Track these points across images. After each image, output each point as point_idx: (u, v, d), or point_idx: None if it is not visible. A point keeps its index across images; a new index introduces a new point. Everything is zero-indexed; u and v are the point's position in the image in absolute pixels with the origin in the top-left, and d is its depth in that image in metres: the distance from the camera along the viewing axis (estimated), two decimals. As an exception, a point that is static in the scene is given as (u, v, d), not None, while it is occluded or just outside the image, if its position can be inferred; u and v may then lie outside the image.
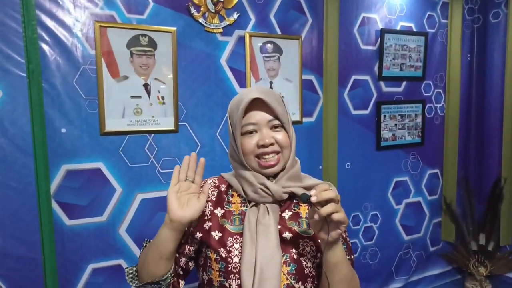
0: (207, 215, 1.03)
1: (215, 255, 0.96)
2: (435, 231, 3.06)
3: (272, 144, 0.96)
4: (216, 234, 0.98)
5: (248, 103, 0.95)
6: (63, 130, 1.74)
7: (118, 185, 1.87)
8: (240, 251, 0.94)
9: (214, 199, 1.05)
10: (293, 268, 0.95)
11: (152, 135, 1.94)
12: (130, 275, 1.08)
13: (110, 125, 1.83)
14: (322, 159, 2.43)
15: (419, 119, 2.86)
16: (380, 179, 2.73)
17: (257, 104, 0.97)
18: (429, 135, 2.94)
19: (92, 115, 1.79)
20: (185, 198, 0.93)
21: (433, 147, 2.97)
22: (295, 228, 0.99)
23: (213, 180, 1.10)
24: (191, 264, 1.09)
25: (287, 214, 1.01)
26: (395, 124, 2.75)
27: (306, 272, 0.97)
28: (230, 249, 0.95)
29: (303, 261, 0.96)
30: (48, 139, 1.69)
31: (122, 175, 1.88)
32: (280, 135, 0.98)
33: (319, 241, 0.96)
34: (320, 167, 2.42)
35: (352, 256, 1.07)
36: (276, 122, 0.98)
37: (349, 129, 2.55)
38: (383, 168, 2.72)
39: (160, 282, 0.97)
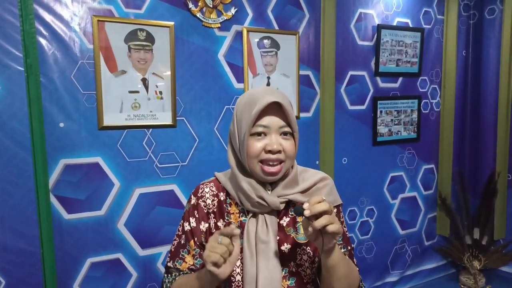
0: (212, 229, 1.00)
1: None
2: (430, 226, 3.10)
3: (279, 152, 0.93)
4: None
5: (265, 105, 0.91)
6: (61, 125, 1.74)
7: (116, 180, 1.88)
8: (241, 268, 0.95)
9: (216, 210, 1.02)
10: (293, 282, 0.97)
11: (150, 129, 1.94)
12: None
13: (108, 120, 1.83)
14: (319, 154, 2.44)
15: (415, 115, 2.88)
16: (376, 174, 2.75)
17: (271, 107, 0.93)
18: (425, 131, 2.96)
19: (90, 110, 1.80)
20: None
21: (428, 142, 3.00)
22: (293, 235, 0.99)
23: (211, 188, 1.04)
24: None
25: (284, 221, 1.00)
26: (391, 120, 2.77)
27: (305, 281, 0.99)
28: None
29: (301, 272, 0.98)
30: (46, 133, 1.70)
31: (121, 170, 1.88)
32: (288, 144, 0.95)
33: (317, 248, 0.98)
34: (317, 162, 2.44)
35: (350, 247, 1.07)
36: (287, 129, 0.95)
37: (345, 124, 2.57)
38: (379, 163, 2.75)
39: None
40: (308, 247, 0.99)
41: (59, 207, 1.76)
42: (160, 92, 1.95)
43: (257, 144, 0.93)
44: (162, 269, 2.02)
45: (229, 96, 2.13)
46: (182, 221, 1.04)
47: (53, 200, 1.74)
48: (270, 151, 0.92)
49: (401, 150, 2.86)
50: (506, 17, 2.85)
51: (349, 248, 1.07)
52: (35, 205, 1.68)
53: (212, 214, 1.01)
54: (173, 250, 1.04)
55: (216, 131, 2.11)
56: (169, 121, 1.97)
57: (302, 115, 2.39)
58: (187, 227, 1.02)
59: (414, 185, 2.96)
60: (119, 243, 1.90)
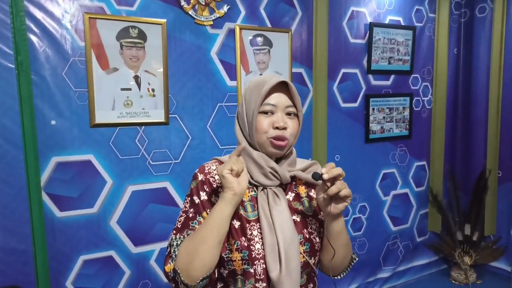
0: None
1: (236, 244, 0.97)
2: (422, 222, 3.13)
3: (284, 128, 1.00)
4: (235, 223, 0.99)
5: (274, 84, 0.99)
6: (53, 122, 1.74)
7: (109, 177, 1.88)
8: (259, 237, 0.98)
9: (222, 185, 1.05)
10: (308, 247, 1.02)
11: (143, 127, 1.94)
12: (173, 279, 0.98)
13: (100, 117, 1.83)
14: (312, 151, 2.46)
15: (406, 112, 2.91)
16: (369, 171, 2.77)
17: (279, 88, 1.01)
18: (417, 128, 2.99)
19: (82, 107, 1.79)
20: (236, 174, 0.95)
21: (420, 139, 3.03)
22: (300, 208, 1.07)
23: (217, 166, 1.07)
24: None
25: (290, 196, 1.07)
26: (384, 117, 2.79)
27: (316, 248, 1.05)
28: (250, 237, 0.98)
29: (313, 239, 1.04)
30: (38, 131, 1.69)
31: (113, 167, 1.88)
32: (292, 123, 1.02)
33: (323, 214, 1.04)
34: (310, 159, 2.45)
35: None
36: (293, 110, 1.02)
37: (338, 121, 2.58)
38: (371, 160, 2.77)
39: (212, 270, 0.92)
40: (314, 219, 1.07)
41: (51, 205, 1.76)
42: (153, 90, 1.95)
43: (265, 121, 1.00)
44: (155, 266, 2.03)
45: (221, 94, 2.14)
46: (188, 198, 1.03)
47: (45, 198, 1.74)
48: (277, 128, 0.99)
49: (393, 147, 2.88)
50: (496, 15, 2.88)
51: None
52: (27, 203, 1.67)
53: (221, 189, 1.00)
54: (179, 226, 1.00)
55: (209, 129, 2.12)
56: (161, 119, 1.98)
57: (294, 112, 2.39)
58: (197, 201, 1.00)
59: (406, 182, 2.99)
60: (112, 240, 1.90)
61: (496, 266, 3.07)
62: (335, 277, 1.11)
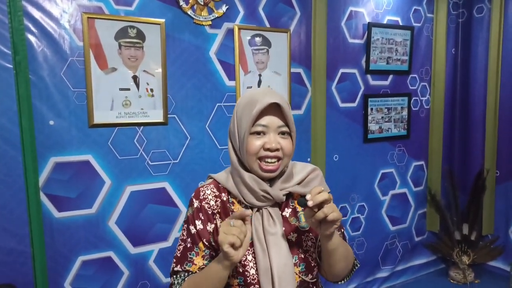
0: (219, 228, 1.00)
1: (233, 271, 0.98)
2: (420, 222, 3.13)
3: (277, 150, 0.98)
4: None
5: (265, 105, 0.96)
6: (51, 122, 1.73)
7: (107, 178, 1.87)
8: (254, 262, 0.98)
9: (220, 211, 1.03)
10: (303, 266, 1.02)
11: (141, 127, 1.94)
12: None
13: (99, 117, 1.82)
14: (311, 151, 2.46)
15: (405, 112, 2.91)
16: (367, 171, 2.78)
17: (271, 107, 0.98)
18: (415, 128, 2.99)
19: (81, 107, 1.79)
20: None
21: (418, 139, 3.03)
22: (296, 224, 1.05)
23: (212, 190, 1.05)
24: None
25: (287, 212, 1.06)
26: (382, 117, 2.79)
27: (312, 265, 1.04)
28: (245, 262, 0.98)
29: (309, 257, 1.03)
30: (36, 131, 1.68)
31: (111, 168, 1.88)
32: (285, 142, 1.00)
33: (318, 234, 1.03)
34: (309, 159, 2.46)
35: (342, 230, 1.14)
36: (285, 129, 1.00)
37: (337, 121, 2.58)
38: (370, 160, 2.77)
39: None
40: (311, 233, 1.06)
41: (50, 206, 1.75)
42: (151, 90, 1.95)
43: (257, 142, 0.98)
44: (154, 267, 2.02)
45: (220, 94, 2.14)
46: (185, 225, 1.04)
47: (44, 198, 1.73)
48: (268, 149, 0.97)
49: (392, 147, 2.89)
50: (494, 15, 2.88)
51: (342, 230, 1.14)
52: (25, 203, 1.66)
53: (217, 215, 1.03)
54: (179, 255, 1.02)
55: (208, 129, 2.11)
56: (160, 119, 1.97)
57: (293, 112, 2.39)
58: (193, 230, 1.01)
59: (404, 182, 3.00)
60: (111, 241, 1.90)
61: (494, 266, 3.08)
62: (339, 283, 1.11)
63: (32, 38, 1.67)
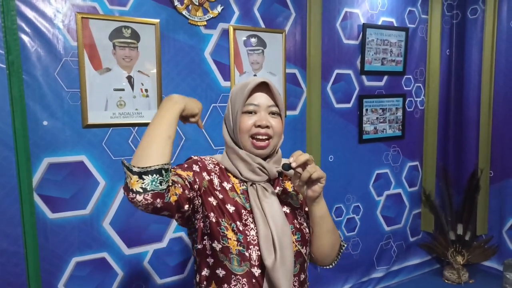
0: (216, 185, 1.06)
1: (232, 226, 1.02)
2: (415, 222, 3.15)
3: (267, 127, 1.04)
4: (230, 207, 1.04)
5: (255, 85, 1.04)
6: (45, 123, 1.72)
7: (102, 178, 1.86)
8: (253, 226, 1.03)
9: (218, 174, 1.09)
10: (299, 236, 1.07)
11: (136, 128, 1.93)
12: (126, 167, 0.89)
13: (93, 118, 1.82)
14: (306, 151, 2.46)
15: (399, 113, 2.92)
16: (362, 171, 2.78)
17: (261, 88, 1.06)
18: (409, 129, 3.01)
19: (74, 108, 1.78)
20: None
21: (413, 140, 3.05)
22: (289, 200, 1.12)
23: (211, 159, 1.14)
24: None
25: (278, 190, 1.12)
26: (377, 118, 2.80)
27: (306, 238, 1.10)
28: (246, 222, 1.03)
29: (303, 229, 1.09)
30: (30, 131, 1.67)
31: (106, 168, 1.87)
32: (275, 122, 1.07)
33: (306, 200, 1.07)
34: (304, 160, 2.46)
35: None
36: (275, 109, 1.07)
37: (332, 122, 2.59)
38: (365, 160, 2.78)
39: (166, 166, 0.88)
40: (303, 211, 1.13)
41: (43, 206, 1.74)
42: (146, 90, 1.94)
43: (248, 121, 1.05)
44: (149, 268, 2.02)
45: (215, 95, 2.13)
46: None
47: (37, 199, 1.72)
48: (259, 126, 1.04)
49: (386, 148, 2.90)
50: (488, 17, 2.90)
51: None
52: (19, 204, 1.65)
53: (215, 175, 1.08)
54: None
55: (203, 129, 2.11)
56: (155, 119, 1.96)
57: (288, 113, 2.40)
58: (185, 165, 1.07)
59: (399, 182, 3.01)
60: (105, 242, 1.89)
61: (488, 266, 3.10)
62: (327, 267, 1.17)
63: (25, 38, 1.66)
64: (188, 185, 0.98)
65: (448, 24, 3.14)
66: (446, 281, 3.01)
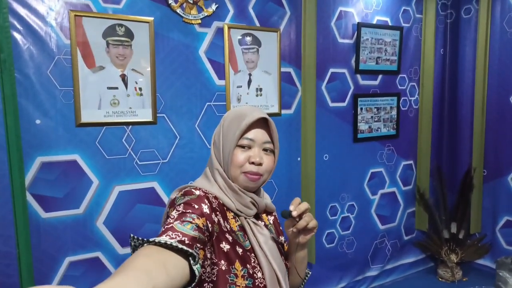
0: (223, 227, 0.96)
1: (243, 271, 0.95)
2: (409, 221, 3.16)
3: (260, 164, 1.00)
4: (238, 249, 0.97)
5: (254, 119, 0.99)
6: (38, 122, 1.70)
7: (95, 177, 1.85)
8: (259, 266, 0.99)
9: (219, 210, 0.98)
10: (286, 269, 1.07)
11: (130, 126, 1.92)
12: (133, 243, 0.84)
13: (86, 116, 1.80)
14: (301, 151, 2.46)
15: (394, 112, 2.93)
16: (357, 170, 2.79)
17: (258, 123, 1.02)
18: (404, 128, 3.02)
19: (67, 106, 1.76)
20: None
21: (407, 139, 3.06)
22: (271, 234, 1.09)
23: (206, 192, 0.99)
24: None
25: (263, 223, 1.12)
26: (371, 117, 2.81)
27: (288, 268, 1.09)
28: (254, 264, 0.98)
29: (286, 263, 1.09)
30: (22, 130, 1.65)
31: (99, 167, 1.85)
32: (268, 159, 1.03)
33: (291, 244, 1.07)
34: (299, 159, 2.46)
35: None
36: (270, 146, 1.03)
37: (327, 121, 2.59)
38: (359, 159, 2.78)
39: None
40: (280, 245, 1.12)
41: (36, 206, 1.73)
42: (140, 89, 1.93)
43: (242, 155, 1.00)
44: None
45: (210, 93, 2.13)
46: (177, 207, 0.89)
47: (30, 198, 1.70)
48: (253, 163, 1.00)
49: (381, 147, 2.91)
50: (481, 16, 2.92)
51: None
52: (11, 204, 1.63)
53: (220, 215, 0.96)
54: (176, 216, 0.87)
55: (198, 128, 2.10)
56: (149, 118, 1.95)
57: (283, 112, 2.40)
58: (196, 206, 0.88)
59: (393, 181, 3.02)
60: (98, 241, 1.87)
61: (481, 264, 3.12)
62: None
63: (17, 35, 1.64)
64: (206, 238, 0.86)
65: (442, 23, 3.15)
66: (440, 279, 3.03)
